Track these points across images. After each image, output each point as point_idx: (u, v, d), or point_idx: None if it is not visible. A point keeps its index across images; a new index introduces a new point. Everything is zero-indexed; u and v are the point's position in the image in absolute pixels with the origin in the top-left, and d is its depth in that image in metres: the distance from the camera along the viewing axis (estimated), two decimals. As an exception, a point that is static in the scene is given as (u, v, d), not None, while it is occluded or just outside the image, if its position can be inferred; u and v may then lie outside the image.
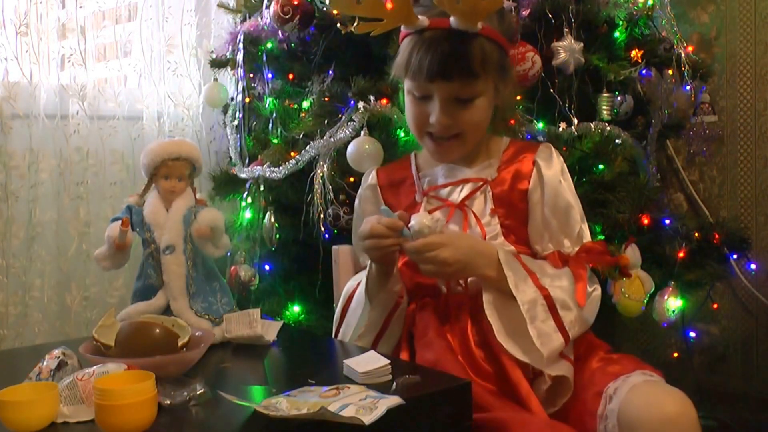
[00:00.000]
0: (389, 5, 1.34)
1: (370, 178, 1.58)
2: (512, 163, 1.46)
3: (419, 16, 1.35)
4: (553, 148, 1.48)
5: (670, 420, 1.13)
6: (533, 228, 1.43)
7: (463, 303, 1.39)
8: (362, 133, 1.71)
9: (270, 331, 1.41)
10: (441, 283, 1.42)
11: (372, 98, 1.72)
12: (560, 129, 1.72)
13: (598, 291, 1.38)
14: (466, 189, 1.45)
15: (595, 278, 1.40)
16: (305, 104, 1.89)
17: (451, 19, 1.33)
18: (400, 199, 1.52)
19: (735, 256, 1.98)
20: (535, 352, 1.25)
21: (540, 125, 1.74)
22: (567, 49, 1.74)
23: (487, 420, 1.16)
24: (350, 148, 1.70)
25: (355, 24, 1.39)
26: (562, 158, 1.47)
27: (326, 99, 1.81)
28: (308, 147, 1.79)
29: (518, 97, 1.74)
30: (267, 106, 1.99)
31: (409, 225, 1.32)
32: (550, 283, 1.31)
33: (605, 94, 1.81)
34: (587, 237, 1.44)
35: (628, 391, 1.18)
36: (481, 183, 1.44)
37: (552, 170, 1.43)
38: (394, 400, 0.96)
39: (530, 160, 1.45)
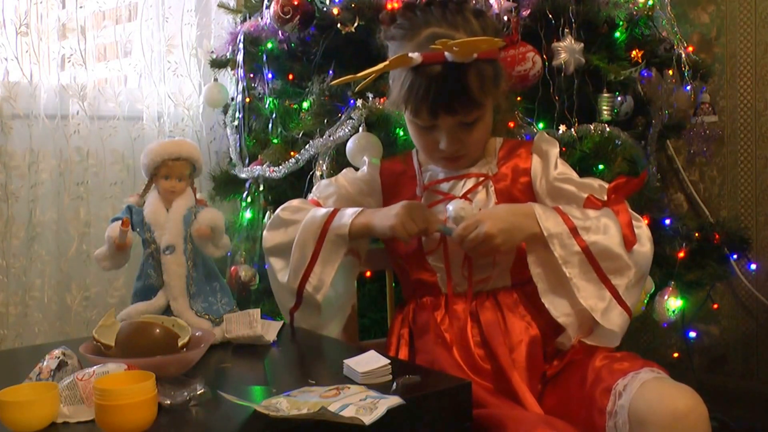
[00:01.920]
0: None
1: (376, 166, 1.57)
2: (510, 159, 1.47)
3: (411, 54, 1.30)
4: (545, 133, 1.50)
5: (681, 416, 1.13)
6: (550, 200, 1.43)
7: (464, 303, 1.40)
8: (360, 129, 1.71)
9: (270, 331, 1.41)
10: (442, 284, 1.42)
11: (371, 96, 1.72)
12: (560, 131, 1.72)
13: (644, 227, 1.37)
14: (469, 183, 1.45)
15: (638, 216, 1.39)
16: (305, 104, 1.89)
17: (446, 54, 1.29)
18: (399, 190, 1.51)
19: (735, 257, 1.99)
20: (580, 308, 1.30)
21: (540, 125, 1.74)
22: (567, 49, 1.74)
23: (483, 416, 1.16)
24: (349, 144, 1.70)
25: (357, 88, 1.43)
26: (556, 141, 1.49)
27: (326, 98, 1.81)
28: (308, 146, 1.80)
29: (518, 99, 1.74)
30: (267, 106, 1.99)
31: (447, 212, 1.35)
32: (591, 235, 1.30)
33: (605, 95, 1.81)
34: (606, 185, 1.43)
35: (638, 387, 1.18)
36: (482, 178, 1.44)
37: (550, 148, 1.45)
38: (394, 401, 0.96)
39: (527, 152, 1.47)
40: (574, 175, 1.44)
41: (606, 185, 1.41)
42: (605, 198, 1.39)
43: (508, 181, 1.45)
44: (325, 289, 1.40)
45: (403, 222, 1.32)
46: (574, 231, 1.30)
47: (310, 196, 1.56)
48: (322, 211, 1.43)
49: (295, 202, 1.52)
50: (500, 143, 1.51)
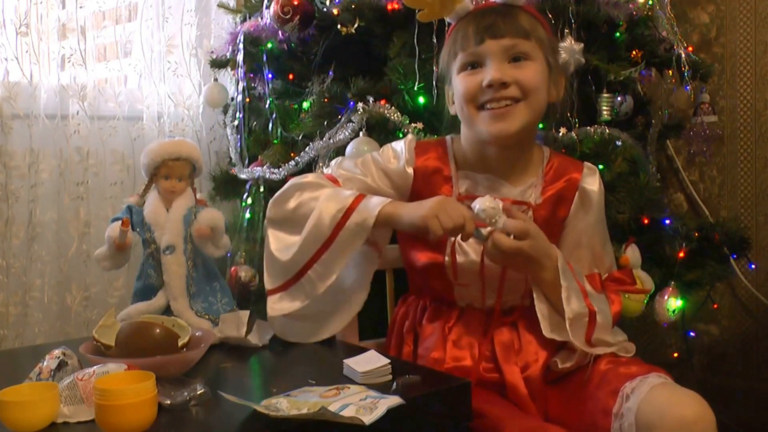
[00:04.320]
0: None
1: (412, 155, 1.43)
2: (555, 184, 1.41)
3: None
4: (597, 173, 1.44)
5: (689, 423, 1.13)
6: (566, 252, 1.39)
7: (479, 319, 1.38)
8: (361, 134, 1.71)
9: (269, 330, 1.41)
10: (458, 298, 1.40)
11: (371, 99, 1.72)
12: (560, 134, 1.72)
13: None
14: None
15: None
16: (305, 104, 1.89)
17: None
18: (432, 190, 1.41)
19: (735, 256, 1.99)
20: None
21: (539, 126, 1.74)
22: (567, 49, 1.74)
23: (483, 425, 1.17)
24: (348, 149, 1.69)
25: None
26: (603, 184, 1.45)
27: (326, 100, 1.81)
28: (308, 148, 1.80)
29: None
30: (267, 106, 1.99)
31: (473, 208, 1.26)
32: (597, 305, 1.32)
33: (605, 95, 1.81)
34: (615, 268, 1.48)
35: (647, 391, 1.18)
36: (524, 207, 1.39)
37: (596, 200, 1.41)
38: (394, 400, 0.96)
39: (574, 183, 1.41)
40: (601, 236, 1.44)
41: (614, 266, 1.47)
42: (605, 276, 1.43)
43: (547, 211, 1.40)
44: (330, 279, 1.31)
45: (438, 214, 1.22)
46: (584, 292, 1.32)
47: (328, 170, 1.47)
48: (346, 193, 1.33)
49: (310, 177, 1.41)
50: (547, 157, 1.44)
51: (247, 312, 1.39)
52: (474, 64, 1.34)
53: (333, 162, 1.49)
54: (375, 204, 1.29)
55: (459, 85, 1.36)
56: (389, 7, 1.73)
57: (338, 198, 1.31)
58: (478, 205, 1.26)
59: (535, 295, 1.32)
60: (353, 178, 1.41)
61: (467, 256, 1.36)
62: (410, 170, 1.42)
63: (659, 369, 1.27)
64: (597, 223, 1.43)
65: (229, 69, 2.13)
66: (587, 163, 1.46)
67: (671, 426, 1.13)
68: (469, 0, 1.37)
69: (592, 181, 1.42)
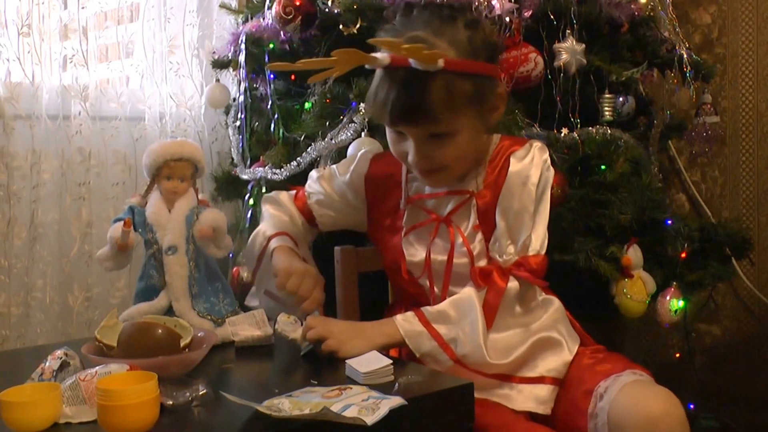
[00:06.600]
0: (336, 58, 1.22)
1: (364, 166, 1.48)
2: (495, 169, 1.36)
3: (379, 54, 1.24)
4: (536, 149, 1.34)
5: (657, 418, 1.14)
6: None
7: None
8: (363, 134, 1.71)
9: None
10: (429, 295, 1.39)
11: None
12: (562, 134, 1.72)
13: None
14: (453, 202, 1.36)
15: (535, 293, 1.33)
16: (307, 105, 1.89)
17: (411, 60, 1.21)
18: (384, 197, 1.45)
19: (737, 257, 1.99)
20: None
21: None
22: (569, 50, 1.74)
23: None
24: (350, 149, 1.70)
25: (309, 79, 1.33)
26: (545, 161, 1.34)
27: (327, 101, 1.81)
28: (309, 149, 1.80)
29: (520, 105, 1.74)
30: (269, 107, 2.00)
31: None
32: (459, 332, 1.26)
33: (607, 95, 1.81)
34: (534, 248, 1.31)
35: (618, 390, 1.18)
36: (467, 195, 1.35)
37: (519, 169, 1.32)
38: (396, 401, 0.96)
39: (508, 162, 1.34)
40: (517, 206, 1.31)
41: (529, 250, 1.30)
42: (513, 259, 1.30)
43: (490, 196, 1.34)
44: (260, 292, 1.47)
45: (289, 278, 1.31)
46: (444, 345, 1.26)
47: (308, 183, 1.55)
48: (259, 239, 1.46)
49: (283, 195, 1.54)
50: (495, 143, 1.39)
51: (261, 310, 1.39)
52: (398, 131, 1.32)
53: (310, 175, 1.57)
54: (270, 247, 1.42)
55: (389, 140, 1.36)
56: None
57: (259, 235, 1.47)
58: (276, 326, 1.32)
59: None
60: (314, 193, 1.52)
61: (417, 255, 1.38)
62: (359, 180, 1.47)
63: (636, 366, 1.26)
64: (511, 197, 1.31)
65: (231, 69, 2.13)
66: (531, 142, 1.37)
67: (640, 423, 1.14)
68: (386, 55, 1.23)
69: (522, 155, 1.34)
